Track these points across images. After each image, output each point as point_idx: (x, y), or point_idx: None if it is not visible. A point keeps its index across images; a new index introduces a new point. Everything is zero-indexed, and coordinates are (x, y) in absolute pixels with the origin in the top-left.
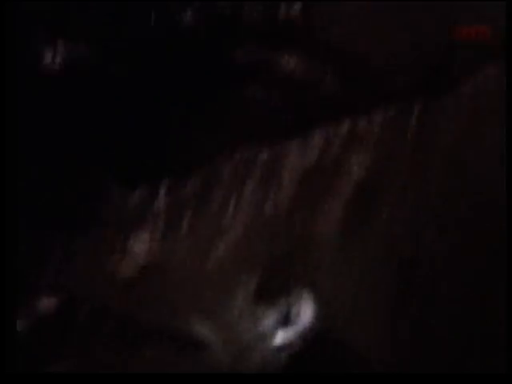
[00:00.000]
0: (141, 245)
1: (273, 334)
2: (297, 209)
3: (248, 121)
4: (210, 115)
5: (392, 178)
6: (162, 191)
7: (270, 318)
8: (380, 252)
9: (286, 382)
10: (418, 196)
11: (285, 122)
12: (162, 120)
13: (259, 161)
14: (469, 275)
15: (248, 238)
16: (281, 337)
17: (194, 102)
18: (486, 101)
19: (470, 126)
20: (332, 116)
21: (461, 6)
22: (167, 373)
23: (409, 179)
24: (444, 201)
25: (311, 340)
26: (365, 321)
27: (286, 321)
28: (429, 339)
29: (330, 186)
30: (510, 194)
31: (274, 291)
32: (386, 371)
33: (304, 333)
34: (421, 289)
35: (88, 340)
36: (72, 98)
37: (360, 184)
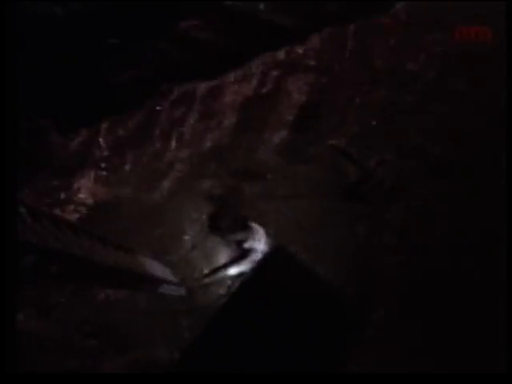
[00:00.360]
0: (85, 189)
1: (227, 268)
2: (240, 138)
3: (185, 55)
4: (147, 49)
5: (332, 100)
6: (102, 133)
7: (223, 252)
8: (325, 175)
9: (286, 382)
10: (361, 115)
11: (222, 54)
12: (98, 62)
13: (198, 94)
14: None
15: (193, 171)
16: (235, 269)
17: (130, 36)
18: (420, 19)
19: (404, 43)
20: (269, 45)
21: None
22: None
23: (349, 100)
24: (386, 117)
25: (263, 267)
26: (313, 241)
27: (240, 255)
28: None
29: (272, 113)
30: (510, 194)
31: (225, 225)
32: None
33: (257, 263)
34: (367, 207)
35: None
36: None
37: (301, 109)
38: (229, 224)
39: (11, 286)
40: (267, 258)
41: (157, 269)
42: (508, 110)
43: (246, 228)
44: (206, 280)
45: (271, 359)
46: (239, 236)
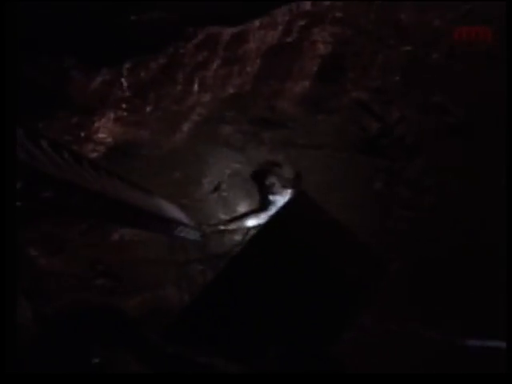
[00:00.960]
0: (105, 128)
1: (244, 218)
2: (262, 85)
3: (210, 0)
4: None
5: (357, 53)
6: (124, 74)
7: (241, 200)
8: (346, 127)
9: (287, 382)
10: (385, 70)
11: (247, 0)
12: (122, 2)
13: (222, 39)
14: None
15: (213, 116)
16: (252, 221)
17: None
18: None
19: (431, 3)
20: None
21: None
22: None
23: (373, 54)
24: (409, 73)
25: (284, 214)
26: (331, 192)
27: (260, 207)
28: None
29: (295, 62)
30: (510, 194)
31: (247, 174)
32: (381, 375)
33: (277, 215)
34: (386, 161)
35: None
36: None
37: (325, 60)
38: (251, 175)
39: (10, 289)
40: (288, 205)
41: (173, 211)
42: (508, 107)
43: (269, 181)
44: (222, 227)
45: (283, 307)
46: (262, 189)
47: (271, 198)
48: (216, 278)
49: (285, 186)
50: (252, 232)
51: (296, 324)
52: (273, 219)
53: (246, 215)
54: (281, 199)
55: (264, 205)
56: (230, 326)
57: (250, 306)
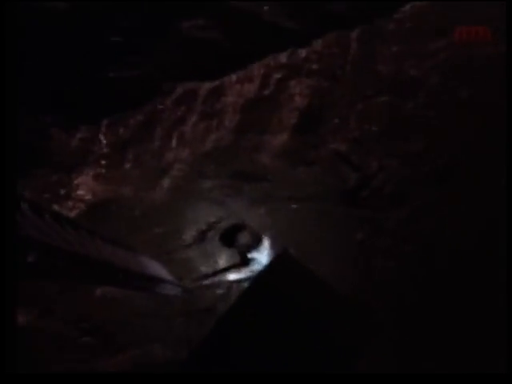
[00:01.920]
0: (85, 185)
1: (226, 272)
2: (241, 139)
3: (188, 54)
4: (149, 48)
5: (334, 105)
6: (103, 130)
7: (222, 255)
8: (326, 178)
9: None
10: (362, 120)
11: (225, 54)
12: (100, 60)
13: (200, 94)
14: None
15: (193, 171)
16: (234, 275)
17: (134, 34)
18: (423, 23)
19: (408, 48)
20: (271, 47)
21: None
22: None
23: (351, 105)
24: (387, 123)
25: (268, 272)
26: (312, 245)
27: (241, 261)
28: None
29: (273, 115)
30: (510, 194)
31: (226, 230)
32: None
33: (258, 270)
34: (367, 212)
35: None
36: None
37: (303, 112)
38: (229, 229)
39: (11, 287)
40: (272, 263)
41: (154, 268)
42: (508, 108)
43: (248, 236)
44: (204, 281)
45: (276, 361)
46: (242, 244)
47: (249, 255)
48: (206, 337)
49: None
50: (234, 286)
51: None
52: (258, 278)
53: (226, 270)
54: (259, 254)
55: (244, 260)
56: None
57: (239, 363)
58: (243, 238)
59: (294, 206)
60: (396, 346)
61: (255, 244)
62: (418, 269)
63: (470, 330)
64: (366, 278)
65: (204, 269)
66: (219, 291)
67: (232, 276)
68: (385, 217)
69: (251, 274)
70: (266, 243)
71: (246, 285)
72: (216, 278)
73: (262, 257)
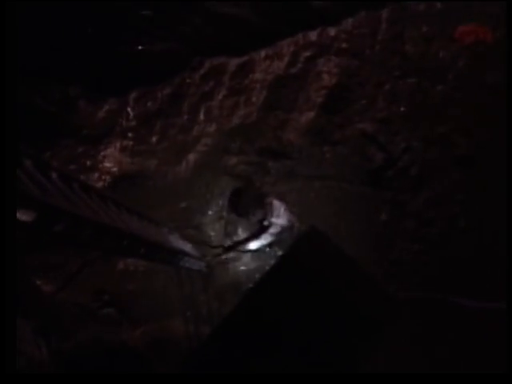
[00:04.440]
0: (111, 158)
1: (246, 242)
2: (268, 116)
3: (216, 31)
4: (180, 23)
5: (362, 84)
6: (131, 103)
7: (243, 227)
8: (351, 158)
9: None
10: (390, 101)
11: (254, 31)
12: (129, 33)
13: (228, 69)
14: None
15: (219, 146)
16: (254, 244)
17: (165, 8)
18: (453, 5)
19: (438, 30)
20: (301, 24)
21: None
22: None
23: (379, 85)
24: (415, 104)
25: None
26: (335, 224)
27: (259, 229)
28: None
29: (300, 93)
30: (510, 194)
31: (246, 202)
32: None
33: (277, 238)
34: (391, 193)
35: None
36: None
37: (330, 91)
38: (250, 201)
39: (11, 291)
40: (299, 239)
41: (178, 242)
42: (508, 107)
43: (265, 205)
44: (226, 255)
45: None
46: (259, 213)
47: (268, 221)
48: (232, 311)
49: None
50: (257, 261)
51: (309, 358)
52: (285, 254)
53: (246, 240)
54: (278, 219)
55: (262, 228)
56: (242, 361)
57: (265, 339)
58: (264, 210)
59: (318, 184)
60: (414, 331)
61: (275, 215)
62: (442, 252)
63: (495, 318)
64: (388, 260)
65: (226, 242)
66: (241, 266)
67: (253, 245)
68: (409, 198)
69: (275, 250)
70: (285, 214)
71: (271, 261)
72: (238, 254)
73: (280, 225)
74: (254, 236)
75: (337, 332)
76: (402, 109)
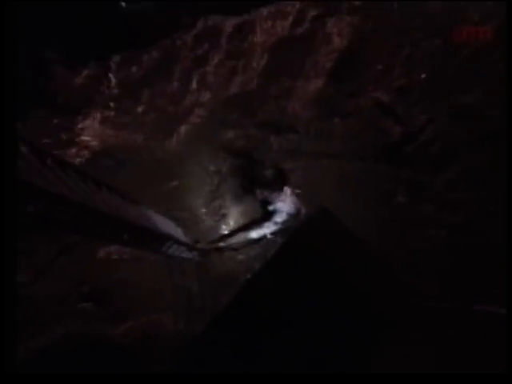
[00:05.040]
0: (90, 130)
1: (247, 230)
2: (270, 84)
3: None
4: None
5: (378, 47)
6: (113, 69)
7: (243, 212)
8: (364, 132)
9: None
10: (409, 67)
11: None
12: None
13: (225, 30)
14: None
15: (214, 119)
16: (256, 232)
17: None
18: None
19: None
20: None
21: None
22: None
23: (397, 49)
24: (438, 70)
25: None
26: (345, 208)
27: (262, 216)
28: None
29: (307, 57)
30: (510, 194)
31: (248, 182)
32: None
33: (281, 227)
34: (409, 172)
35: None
36: None
37: (341, 55)
38: (252, 182)
39: (11, 288)
40: (309, 220)
41: (167, 226)
42: (508, 106)
43: (271, 187)
44: (222, 243)
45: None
46: (264, 195)
47: (274, 206)
48: (228, 305)
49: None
50: (256, 249)
51: (312, 355)
52: (289, 242)
53: (247, 227)
54: (285, 205)
55: (266, 214)
56: (239, 360)
57: (262, 336)
58: (270, 193)
59: (328, 162)
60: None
61: (282, 199)
62: (460, 239)
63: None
64: (406, 249)
65: (223, 228)
66: (240, 256)
67: (254, 234)
68: (429, 179)
69: (279, 239)
70: (292, 199)
71: (273, 251)
72: (235, 240)
73: (286, 212)
74: (256, 223)
75: (344, 328)
76: (422, 76)
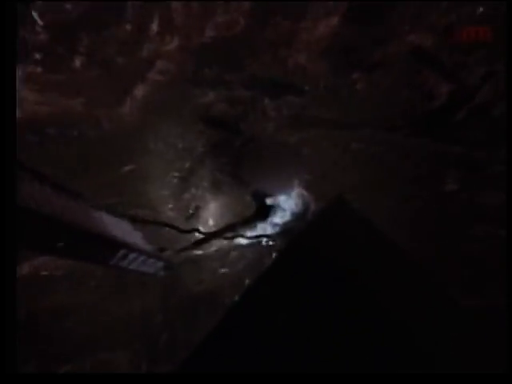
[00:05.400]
0: None
1: (232, 231)
2: (263, 26)
3: None
4: None
5: None
6: (39, 7)
7: (226, 207)
8: (396, 93)
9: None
10: (458, 2)
11: None
12: None
13: None
14: None
15: (185, 75)
16: (245, 236)
17: None
18: None
19: None
20: None
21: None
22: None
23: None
24: (496, 4)
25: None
26: (363, 193)
27: (258, 213)
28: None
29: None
30: (510, 194)
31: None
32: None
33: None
34: (459, 147)
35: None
36: None
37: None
38: (240, 164)
39: (10, 289)
40: (318, 218)
41: (120, 230)
42: (508, 108)
43: (268, 173)
44: (197, 251)
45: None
46: (257, 184)
47: (268, 200)
48: (208, 337)
49: None
50: (239, 258)
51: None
52: (299, 239)
53: (232, 228)
54: (283, 200)
55: (261, 210)
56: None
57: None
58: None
59: (344, 134)
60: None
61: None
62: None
63: None
64: (451, 253)
65: (196, 231)
66: (223, 269)
67: (244, 241)
68: (490, 157)
69: (272, 239)
70: (300, 192)
71: (270, 258)
72: (215, 247)
73: (296, 220)
74: (246, 224)
75: (357, 340)
76: (480, 9)
